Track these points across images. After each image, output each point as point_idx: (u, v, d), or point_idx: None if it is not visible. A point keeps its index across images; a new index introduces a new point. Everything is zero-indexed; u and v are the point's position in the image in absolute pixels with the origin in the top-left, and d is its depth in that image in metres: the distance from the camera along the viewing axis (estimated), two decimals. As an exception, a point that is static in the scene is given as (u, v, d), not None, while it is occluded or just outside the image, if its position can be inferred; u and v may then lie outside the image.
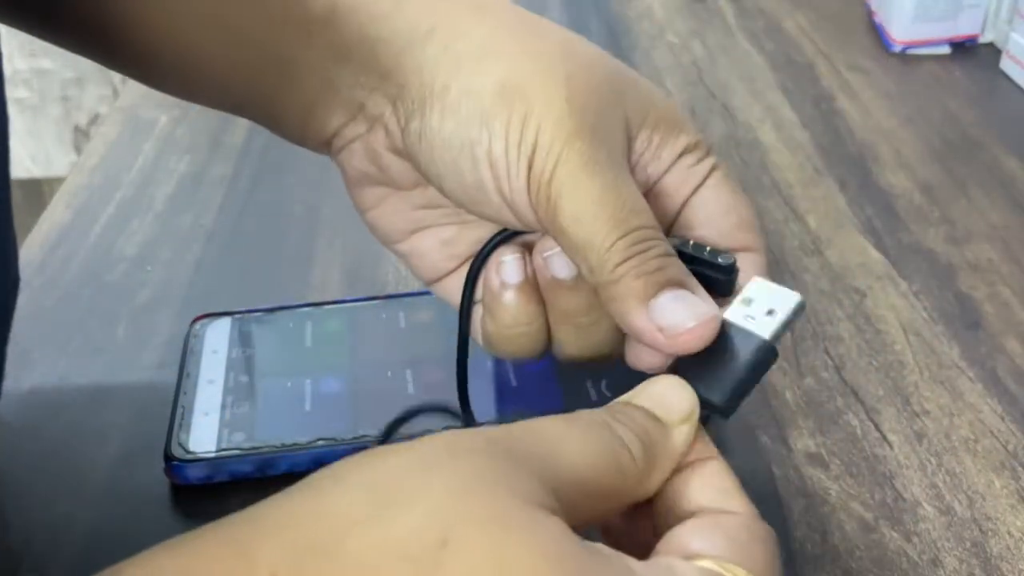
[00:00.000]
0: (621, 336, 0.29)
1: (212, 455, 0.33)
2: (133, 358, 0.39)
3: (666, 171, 0.29)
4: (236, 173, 0.52)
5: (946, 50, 0.62)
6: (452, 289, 0.31)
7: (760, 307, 0.26)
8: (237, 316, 0.39)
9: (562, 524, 0.19)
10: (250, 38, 0.28)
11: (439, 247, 0.31)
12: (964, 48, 0.62)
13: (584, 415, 0.23)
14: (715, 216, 0.28)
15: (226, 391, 0.36)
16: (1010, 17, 0.60)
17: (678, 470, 0.24)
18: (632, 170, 0.28)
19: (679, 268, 0.26)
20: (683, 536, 0.22)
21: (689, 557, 0.21)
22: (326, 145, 0.31)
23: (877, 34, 0.64)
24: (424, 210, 0.31)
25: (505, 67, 0.27)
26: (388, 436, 0.32)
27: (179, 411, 0.35)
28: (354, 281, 0.44)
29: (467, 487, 0.19)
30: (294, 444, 0.33)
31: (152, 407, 0.36)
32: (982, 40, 0.62)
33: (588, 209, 0.25)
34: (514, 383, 0.36)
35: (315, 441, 0.34)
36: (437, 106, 0.27)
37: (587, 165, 0.26)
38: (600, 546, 0.20)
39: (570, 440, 0.22)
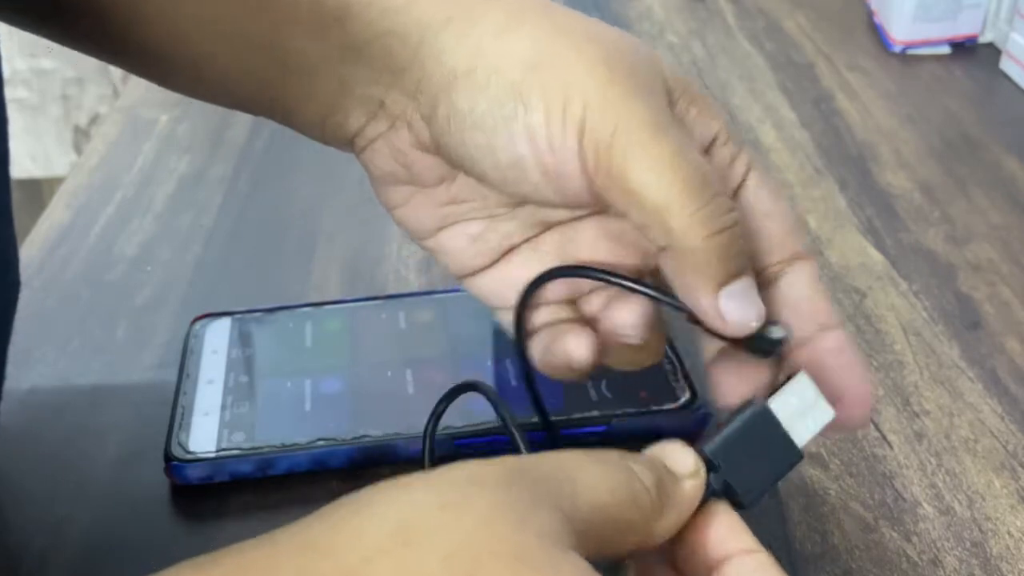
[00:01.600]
0: (663, 344, 0.29)
1: (212, 455, 0.33)
2: (133, 358, 0.39)
3: (703, 152, 0.27)
4: (236, 173, 0.52)
5: (946, 50, 0.62)
6: (482, 287, 0.31)
7: (799, 407, 0.25)
8: (237, 316, 0.39)
9: (583, 562, 0.19)
10: (259, 39, 0.28)
11: (468, 243, 0.30)
12: (964, 48, 0.62)
13: (601, 451, 0.23)
14: (762, 224, 0.27)
15: (226, 391, 0.36)
16: (1010, 17, 0.60)
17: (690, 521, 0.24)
18: None
19: (748, 253, 0.25)
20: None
21: None
22: (349, 144, 0.30)
23: (877, 34, 0.64)
24: (450, 206, 0.30)
25: (530, 42, 0.26)
26: (437, 417, 0.31)
27: (179, 411, 0.35)
28: (354, 281, 0.44)
29: (491, 525, 0.19)
30: (294, 444, 0.33)
31: (152, 407, 0.36)
32: (982, 40, 0.62)
33: (662, 173, 0.24)
34: (514, 383, 0.36)
35: (315, 441, 0.34)
36: (463, 88, 0.26)
37: (649, 126, 0.24)
38: None
39: (589, 469, 0.22)
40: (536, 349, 0.29)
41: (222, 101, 0.31)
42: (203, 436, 0.34)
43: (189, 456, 0.33)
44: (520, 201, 0.29)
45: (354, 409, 0.35)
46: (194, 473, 0.33)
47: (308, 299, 0.41)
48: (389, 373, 0.36)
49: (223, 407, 0.35)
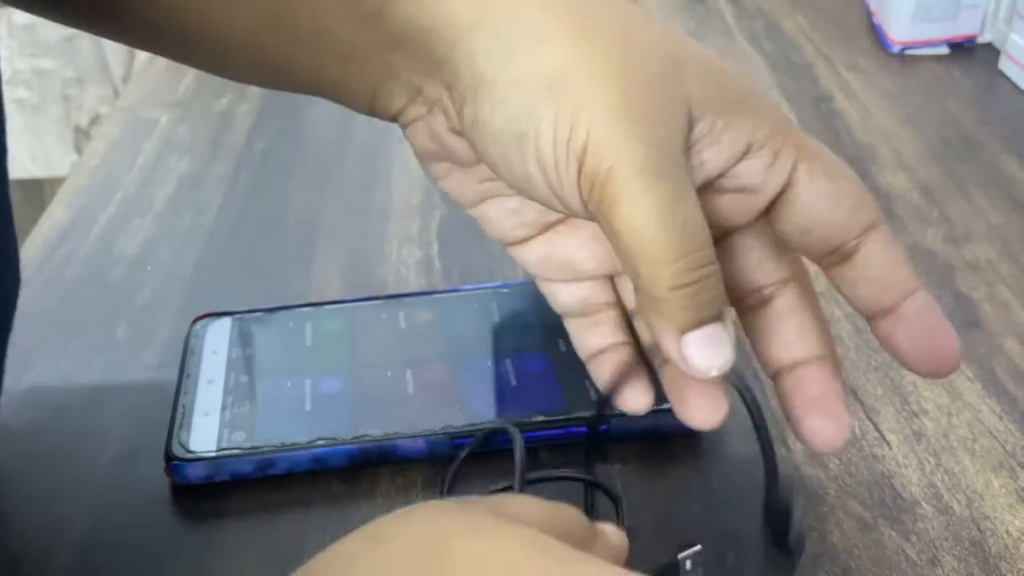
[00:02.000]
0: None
1: (212, 455, 0.33)
2: (133, 358, 0.39)
3: (735, 163, 0.27)
4: (236, 173, 0.52)
5: (945, 50, 0.62)
6: (526, 257, 0.32)
7: None
8: (237, 316, 0.39)
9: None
10: (308, 31, 0.29)
11: (507, 216, 0.32)
12: (963, 48, 0.62)
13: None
14: (822, 213, 0.27)
15: (226, 391, 0.36)
16: (1009, 17, 0.60)
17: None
18: (688, 153, 0.26)
19: (723, 300, 0.26)
20: None
21: None
22: (394, 120, 0.31)
23: (876, 34, 0.64)
24: (488, 183, 0.31)
25: (555, 55, 0.26)
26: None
27: (179, 411, 0.35)
28: (354, 281, 0.44)
29: (448, 513, 0.21)
30: (294, 444, 0.34)
31: (152, 407, 0.36)
32: (981, 40, 0.62)
33: (647, 221, 0.25)
34: (514, 383, 0.36)
35: (315, 441, 0.34)
36: (487, 98, 0.27)
37: (646, 172, 0.25)
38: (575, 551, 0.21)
39: (528, 502, 0.23)
40: (596, 377, 0.31)
41: (270, 84, 0.32)
42: (203, 436, 0.34)
43: (189, 456, 0.33)
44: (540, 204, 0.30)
45: (354, 409, 0.35)
46: (194, 473, 0.33)
47: (308, 299, 0.41)
48: (389, 373, 0.36)
49: (223, 407, 0.35)
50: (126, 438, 0.36)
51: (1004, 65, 0.60)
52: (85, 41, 1.20)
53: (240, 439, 0.34)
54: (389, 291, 0.42)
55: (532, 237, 0.32)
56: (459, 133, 0.29)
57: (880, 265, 0.27)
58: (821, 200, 0.27)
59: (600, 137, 0.25)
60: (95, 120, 1.29)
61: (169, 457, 0.33)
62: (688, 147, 0.26)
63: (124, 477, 0.34)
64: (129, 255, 0.46)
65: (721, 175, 0.27)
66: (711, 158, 0.27)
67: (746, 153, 0.27)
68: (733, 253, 0.29)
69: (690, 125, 0.26)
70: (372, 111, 0.31)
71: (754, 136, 0.27)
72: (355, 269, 0.44)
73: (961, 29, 0.62)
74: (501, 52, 0.27)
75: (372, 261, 0.45)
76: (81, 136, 1.30)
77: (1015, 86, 0.58)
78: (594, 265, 0.31)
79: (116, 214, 0.49)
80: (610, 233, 0.26)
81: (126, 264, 0.45)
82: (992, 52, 0.61)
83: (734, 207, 0.28)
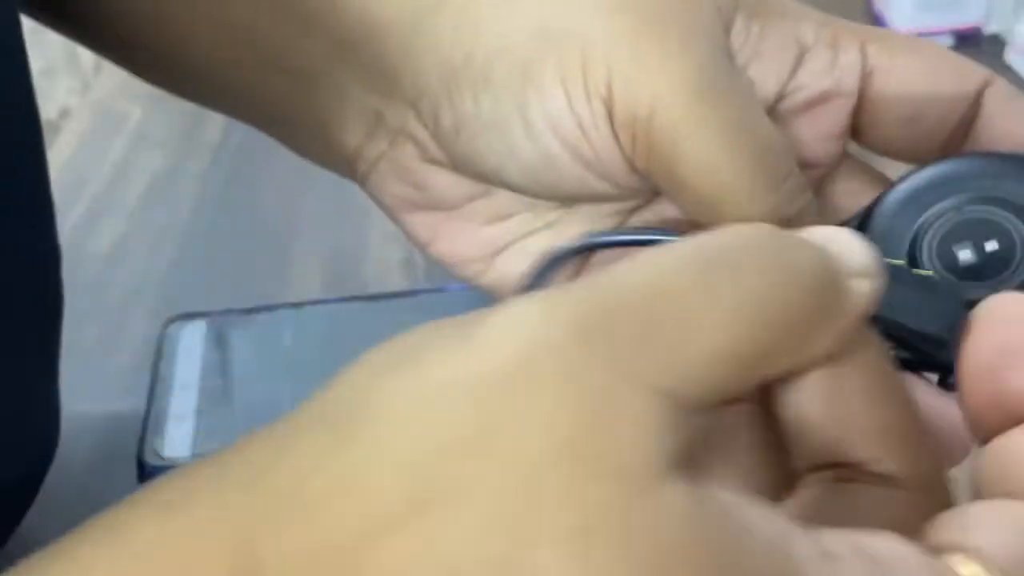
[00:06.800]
0: None
1: (187, 461, 0.32)
2: (105, 361, 0.39)
3: (791, 74, 0.22)
4: (212, 169, 0.51)
5: (949, 41, 0.61)
6: None
7: None
8: (213, 317, 0.39)
9: (693, 493, 0.13)
10: (247, 35, 0.26)
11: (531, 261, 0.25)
12: (968, 39, 0.61)
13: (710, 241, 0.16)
14: (923, 93, 0.22)
15: (201, 395, 0.35)
16: (1015, 7, 0.59)
17: None
18: None
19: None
20: (962, 522, 0.15)
21: (941, 549, 0.15)
22: (351, 168, 0.26)
23: (877, 23, 0.64)
24: (495, 226, 0.25)
25: (535, 8, 0.22)
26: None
27: (152, 416, 0.34)
28: (334, 280, 0.43)
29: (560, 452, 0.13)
30: (273, 450, 0.33)
31: (124, 411, 0.35)
32: (986, 31, 0.61)
33: (716, 154, 0.20)
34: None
35: (294, 447, 0.33)
36: (465, 86, 0.22)
37: (695, 92, 0.20)
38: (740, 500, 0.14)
39: (711, 289, 0.15)
40: None
41: (219, 105, 0.30)
42: (177, 441, 0.33)
43: (163, 462, 0.32)
44: (572, 201, 0.24)
45: (335, 413, 0.34)
46: (168, 480, 0.32)
47: (286, 299, 0.41)
48: (371, 376, 0.36)
49: (198, 412, 0.34)
50: (97, 444, 0.35)
51: (1010, 57, 0.58)
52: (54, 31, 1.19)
53: (216, 445, 0.33)
54: (370, 291, 0.42)
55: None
56: (436, 162, 0.24)
57: (1001, 121, 0.22)
58: (916, 74, 0.22)
59: (625, 69, 0.20)
60: (64, 114, 1.27)
61: (142, 464, 0.33)
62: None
63: (95, 484, 0.34)
64: (101, 253, 0.45)
65: (781, 95, 0.22)
66: (759, 76, 0.22)
67: (800, 59, 0.22)
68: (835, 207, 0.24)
69: (726, 31, 0.21)
70: (324, 149, 0.26)
71: (800, 34, 0.22)
72: (335, 268, 0.44)
73: (966, 19, 0.61)
74: (469, 28, 0.22)
75: (353, 260, 0.44)
76: (50, 130, 1.28)
77: (1021, 79, 0.57)
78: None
79: (86, 211, 0.48)
80: (674, 187, 0.21)
81: (97, 263, 0.44)
82: (998, 43, 0.60)
83: (814, 131, 0.23)
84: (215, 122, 0.55)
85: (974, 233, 0.21)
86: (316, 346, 0.37)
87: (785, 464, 0.17)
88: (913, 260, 0.22)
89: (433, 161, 0.24)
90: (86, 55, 1.25)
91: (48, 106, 1.28)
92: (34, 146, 0.28)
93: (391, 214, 0.26)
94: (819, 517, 0.15)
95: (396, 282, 0.43)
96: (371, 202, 0.51)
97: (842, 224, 0.22)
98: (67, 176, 0.51)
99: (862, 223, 0.22)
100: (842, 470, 0.16)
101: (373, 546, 0.13)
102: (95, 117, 0.57)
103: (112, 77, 0.61)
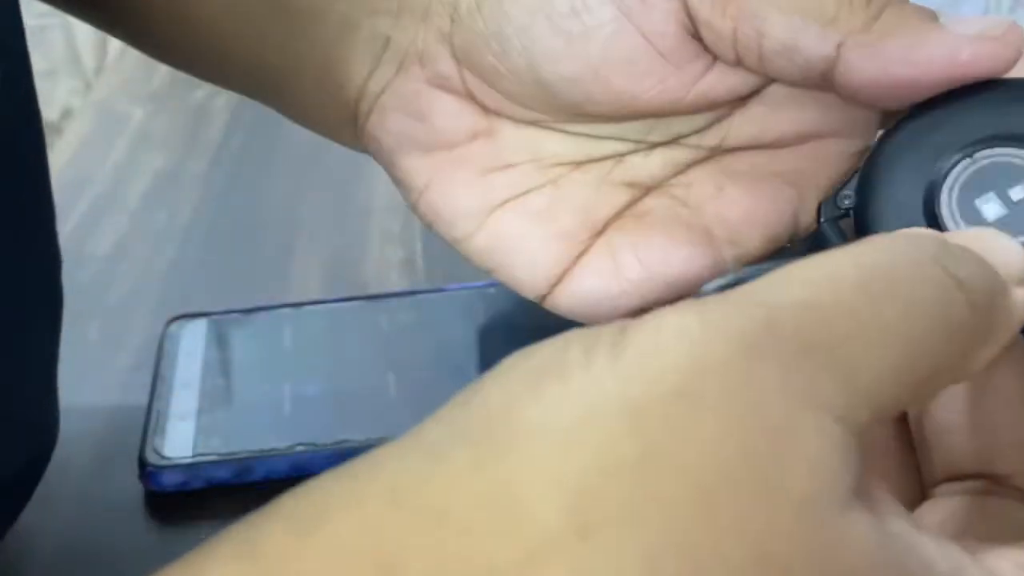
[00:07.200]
0: None
1: (188, 460, 0.33)
2: (106, 360, 0.39)
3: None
4: (213, 170, 0.51)
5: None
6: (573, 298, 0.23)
7: None
8: (214, 317, 0.39)
9: (875, 525, 0.13)
10: None
11: (533, 228, 0.23)
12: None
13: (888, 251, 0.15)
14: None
15: (202, 394, 0.35)
16: (1012, 8, 0.59)
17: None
18: None
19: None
20: None
21: None
22: (353, 115, 0.25)
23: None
24: (495, 174, 0.23)
25: None
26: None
27: (154, 415, 0.34)
28: (334, 281, 0.43)
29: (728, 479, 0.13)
30: (273, 449, 0.33)
31: (126, 411, 0.35)
32: (984, 34, 0.61)
33: None
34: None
35: (294, 446, 0.33)
36: None
37: None
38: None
39: (877, 316, 0.14)
40: None
41: (210, 65, 0.29)
42: (179, 441, 0.33)
43: (164, 462, 0.32)
44: (616, 117, 0.22)
45: (335, 413, 0.34)
46: (169, 479, 0.32)
47: (287, 299, 0.41)
48: (371, 376, 0.36)
49: (199, 411, 0.34)
50: (98, 443, 0.35)
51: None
52: (56, 31, 1.19)
53: (217, 444, 0.33)
54: (371, 291, 0.42)
55: (575, 264, 0.23)
56: (446, 83, 0.22)
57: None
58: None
59: None
60: (66, 114, 1.27)
61: (143, 463, 0.33)
62: None
63: (96, 484, 0.34)
64: (102, 254, 0.45)
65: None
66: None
67: None
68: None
69: None
70: (328, 99, 0.24)
71: None
72: (336, 269, 0.44)
73: (962, 20, 0.61)
74: None
75: (353, 260, 0.44)
76: (52, 131, 1.28)
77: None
78: None
79: (88, 211, 0.48)
80: (752, 28, 0.19)
81: (99, 263, 0.44)
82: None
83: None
84: (216, 123, 0.55)
85: (995, 182, 0.19)
86: (316, 346, 0.37)
87: (915, 470, 0.17)
88: (937, 227, 0.19)
89: (441, 81, 0.23)
90: (88, 56, 1.25)
91: (50, 107, 1.28)
92: (35, 149, 0.28)
93: (389, 161, 0.24)
94: (959, 530, 0.15)
95: (396, 282, 0.43)
96: (371, 202, 0.52)
97: (838, 190, 0.21)
98: (69, 176, 0.51)
99: (861, 191, 0.20)
100: (983, 482, 0.16)
101: (536, 570, 0.12)
102: (97, 118, 0.57)
103: (114, 78, 0.61)
